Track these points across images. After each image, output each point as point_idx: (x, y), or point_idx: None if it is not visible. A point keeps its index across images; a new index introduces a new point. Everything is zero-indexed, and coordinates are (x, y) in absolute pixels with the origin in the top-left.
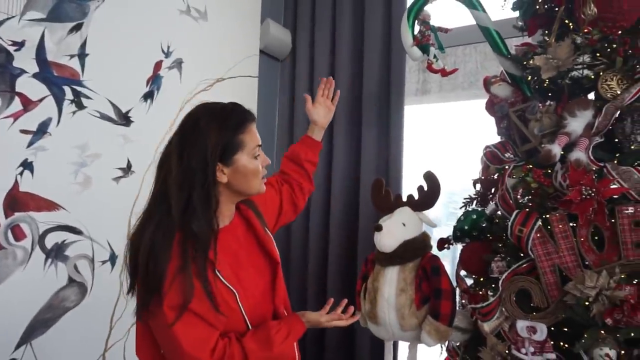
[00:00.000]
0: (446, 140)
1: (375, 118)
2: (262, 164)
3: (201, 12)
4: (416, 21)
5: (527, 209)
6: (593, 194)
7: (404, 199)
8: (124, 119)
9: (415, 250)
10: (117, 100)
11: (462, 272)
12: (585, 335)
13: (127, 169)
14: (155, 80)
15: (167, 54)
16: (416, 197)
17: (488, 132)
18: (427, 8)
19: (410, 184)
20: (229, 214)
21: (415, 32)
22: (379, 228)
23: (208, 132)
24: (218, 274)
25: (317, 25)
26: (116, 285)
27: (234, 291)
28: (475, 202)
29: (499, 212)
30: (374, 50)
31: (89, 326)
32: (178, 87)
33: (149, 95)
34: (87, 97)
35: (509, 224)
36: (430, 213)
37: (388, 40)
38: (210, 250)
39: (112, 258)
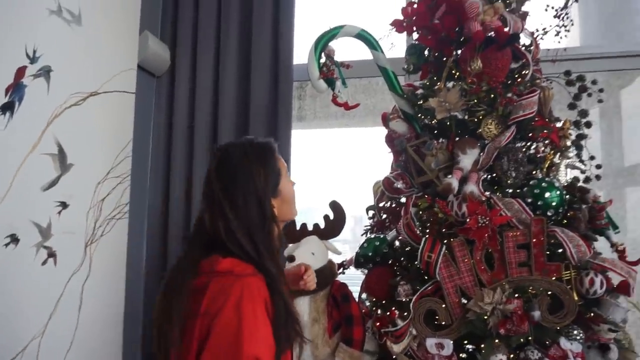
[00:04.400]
0: (323, 166)
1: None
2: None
3: (75, 15)
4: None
5: (433, 237)
6: (487, 222)
7: (309, 227)
8: None
9: (325, 278)
10: None
11: (363, 296)
12: (483, 346)
13: None
14: (17, 89)
15: (33, 60)
16: (322, 225)
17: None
18: (332, 43)
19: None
20: None
21: (320, 65)
22: (292, 259)
23: (252, 172)
24: None
25: (200, 42)
26: None
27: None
28: (373, 228)
29: (399, 239)
30: (262, 72)
31: None
32: (45, 99)
33: (8, 107)
34: None
35: (419, 250)
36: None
37: (275, 62)
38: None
39: None
